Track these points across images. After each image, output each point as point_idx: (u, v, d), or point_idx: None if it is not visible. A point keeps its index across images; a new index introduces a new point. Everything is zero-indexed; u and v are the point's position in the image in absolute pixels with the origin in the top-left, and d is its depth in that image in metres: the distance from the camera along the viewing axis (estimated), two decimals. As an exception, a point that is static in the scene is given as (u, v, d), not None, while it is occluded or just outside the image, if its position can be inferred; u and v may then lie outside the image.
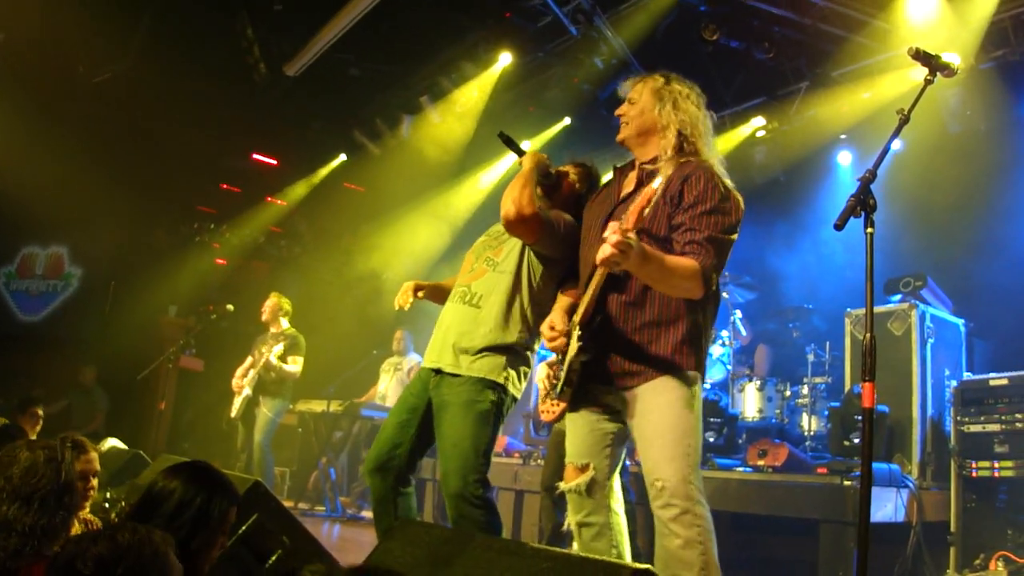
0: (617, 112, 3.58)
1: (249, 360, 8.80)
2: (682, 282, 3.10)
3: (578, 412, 3.47)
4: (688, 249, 3.14)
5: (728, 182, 3.34)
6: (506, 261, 4.06)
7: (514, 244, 4.06)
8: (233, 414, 8.73)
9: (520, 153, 4.10)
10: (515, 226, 3.82)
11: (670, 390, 3.22)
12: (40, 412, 6.89)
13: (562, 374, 3.32)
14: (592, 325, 3.29)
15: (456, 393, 3.91)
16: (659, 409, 3.21)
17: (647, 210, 2.85)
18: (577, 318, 3.31)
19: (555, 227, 3.89)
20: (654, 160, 3.43)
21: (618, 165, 3.70)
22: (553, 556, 2.13)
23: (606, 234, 2.81)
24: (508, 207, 3.76)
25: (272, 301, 8.96)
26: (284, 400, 8.70)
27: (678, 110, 3.47)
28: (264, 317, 8.95)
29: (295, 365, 8.64)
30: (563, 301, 3.65)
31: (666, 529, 3.09)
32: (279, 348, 8.48)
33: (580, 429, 3.47)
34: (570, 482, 3.44)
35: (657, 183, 2.91)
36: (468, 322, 4.02)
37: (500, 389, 3.94)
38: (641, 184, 3.40)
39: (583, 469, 3.41)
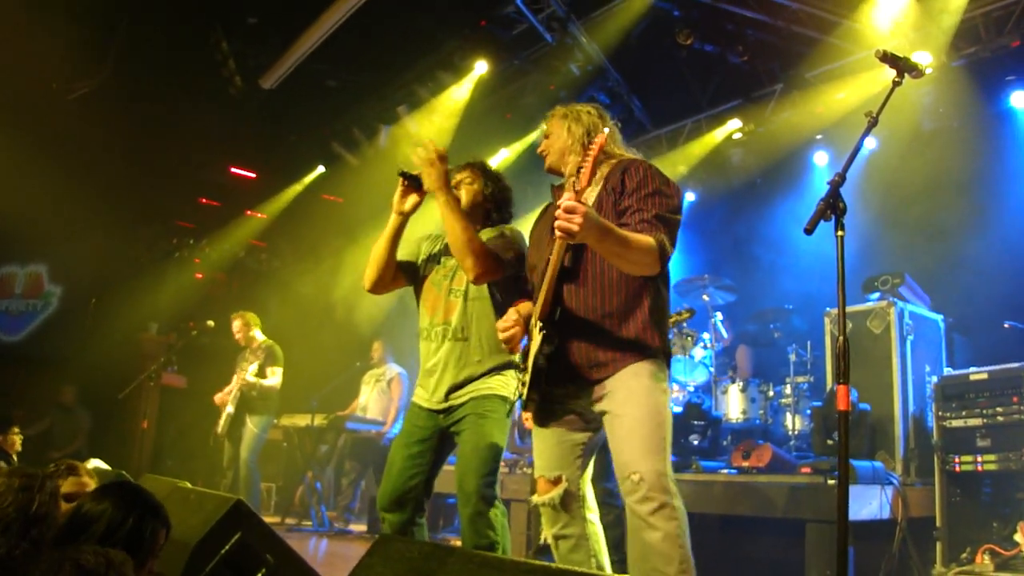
0: (539, 150, 3.72)
1: (235, 379, 8.77)
2: (642, 256, 3.11)
3: (546, 427, 3.48)
4: (641, 228, 3.18)
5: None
6: (472, 288, 4.10)
7: None
8: (219, 431, 8.70)
9: (418, 183, 4.06)
10: (482, 279, 3.94)
11: (642, 376, 3.23)
12: (17, 432, 6.85)
13: (527, 376, 3.32)
14: (553, 318, 3.29)
15: (472, 407, 4.00)
16: (633, 399, 3.20)
17: (588, 191, 3.04)
18: (536, 314, 3.32)
19: (507, 262, 3.98)
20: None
21: (554, 184, 3.75)
22: (534, 569, 2.12)
23: (560, 202, 2.86)
24: (472, 268, 3.85)
25: (238, 322, 8.92)
26: (269, 415, 8.68)
27: (581, 123, 3.60)
28: (237, 338, 8.92)
29: (274, 377, 8.61)
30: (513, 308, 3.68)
31: (644, 523, 3.10)
32: (253, 367, 8.46)
33: (548, 441, 3.47)
34: (543, 496, 3.43)
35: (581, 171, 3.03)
36: (463, 356, 4.06)
37: (508, 401, 4.03)
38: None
39: (555, 482, 3.40)
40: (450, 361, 4.07)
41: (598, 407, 3.29)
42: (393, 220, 4.09)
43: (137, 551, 2.61)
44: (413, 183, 4.05)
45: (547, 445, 3.46)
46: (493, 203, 4.28)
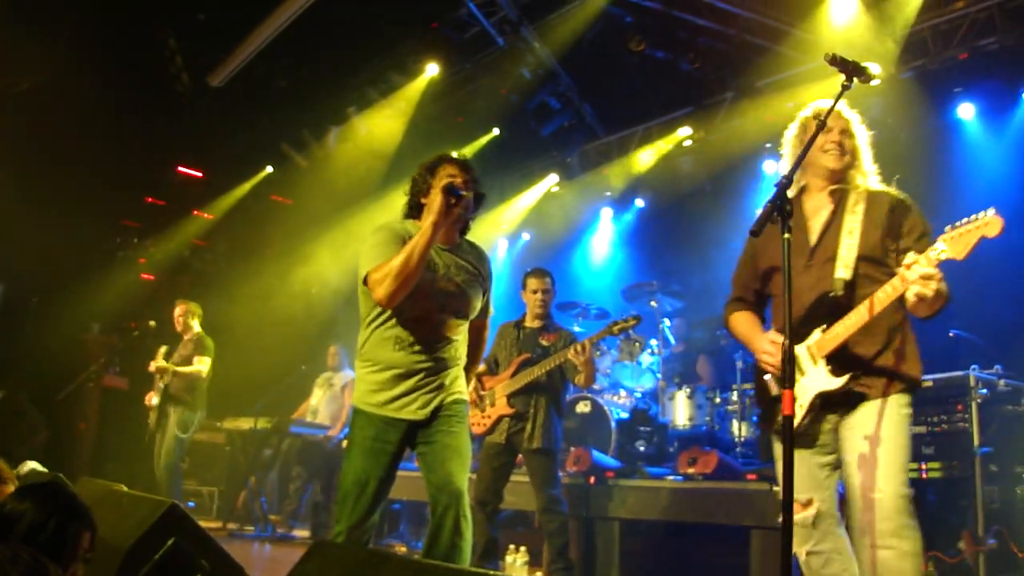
0: (833, 140, 3.53)
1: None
2: (941, 304, 3.20)
3: (799, 449, 3.43)
4: None
5: None
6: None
7: None
8: (151, 426, 8.52)
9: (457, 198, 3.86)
10: (384, 306, 3.82)
11: (900, 404, 3.29)
12: None
13: (799, 400, 3.32)
14: (842, 352, 3.31)
15: (449, 411, 3.90)
16: (890, 423, 3.25)
17: (848, 220, 3.33)
18: (826, 345, 3.33)
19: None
20: (839, 184, 3.58)
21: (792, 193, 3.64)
22: (469, 575, 2.08)
23: (917, 268, 3.01)
24: (387, 295, 3.69)
25: (179, 309, 8.76)
26: (193, 411, 8.43)
27: (861, 142, 3.63)
28: (177, 327, 8.75)
29: (201, 365, 8.43)
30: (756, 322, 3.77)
31: (882, 542, 3.13)
32: (159, 354, 8.30)
33: (798, 464, 3.30)
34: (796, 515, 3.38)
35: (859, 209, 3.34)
36: (450, 361, 3.98)
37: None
38: (838, 209, 3.52)
39: (806, 504, 3.43)
40: (444, 366, 3.94)
41: (849, 432, 3.34)
42: (432, 234, 3.69)
43: (60, 554, 2.55)
44: (456, 199, 3.80)
45: (797, 472, 3.30)
46: (475, 211, 4.13)
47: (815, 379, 3.33)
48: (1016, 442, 6.29)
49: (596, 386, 8.18)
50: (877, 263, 3.38)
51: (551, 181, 12.00)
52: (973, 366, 6.18)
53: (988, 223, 2.95)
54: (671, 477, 6.66)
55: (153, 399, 8.43)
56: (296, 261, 12.85)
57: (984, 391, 6.06)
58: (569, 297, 9.34)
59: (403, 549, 8.43)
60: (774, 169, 9.95)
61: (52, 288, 12.38)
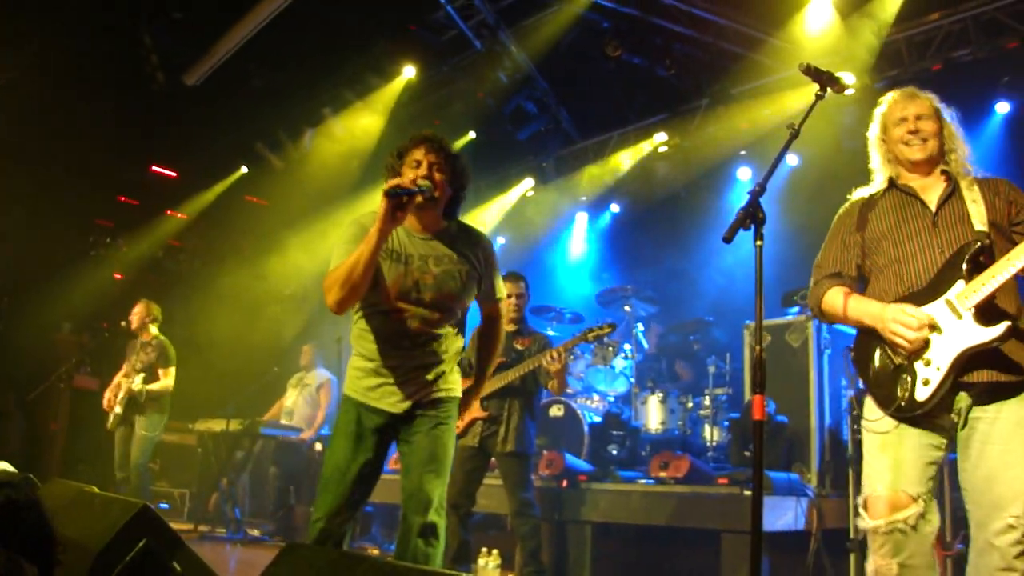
0: (913, 128, 3.38)
1: (124, 369, 8.50)
2: None
3: (915, 428, 3.13)
4: None
5: None
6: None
7: None
8: (109, 426, 8.43)
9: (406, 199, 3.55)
10: (336, 312, 3.71)
11: None
12: None
13: (942, 367, 3.00)
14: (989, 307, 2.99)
15: (434, 411, 3.80)
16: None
17: (972, 203, 3.10)
18: (974, 292, 2.99)
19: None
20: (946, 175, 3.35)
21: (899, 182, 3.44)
22: (443, 577, 2.09)
23: None
24: (337, 301, 3.59)
25: (140, 307, 8.68)
26: (161, 415, 8.37)
27: (958, 136, 3.47)
28: (133, 325, 8.65)
29: (167, 379, 8.35)
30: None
31: (1005, 563, 2.90)
32: (139, 379, 8.20)
33: (909, 451, 3.11)
34: (894, 515, 3.08)
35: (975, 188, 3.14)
36: (435, 355, 3.84)
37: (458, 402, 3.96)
38: (952, 186, 3.28)
39: (913, 499, 3.06)
40: (423, 362, 3.79)
41: (971, 429, 3.04)
42: (379, 238, 3.48)
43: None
44: (404, 199, 3.51)
45: (908, 457, 3.12)
46: (456, 192, 3.89)
47: (961, 333, 2.97)
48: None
49: (570, 390, 8.21)
50: (1004, 234, 3.12)
51: (527, 185, 12.03)
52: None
53: None
54: (643, 481, 6.69)
55: (116, 408, 8.31)
56: (270, 262, 12.79)
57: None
58: (544, 301, 9.35)
59: (375, 552, 8.42)
60: (748, 176, 10.03)
61: (23, 288, 12.25)
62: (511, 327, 6.35)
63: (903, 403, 3.04)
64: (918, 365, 3.04)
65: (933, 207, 3.24)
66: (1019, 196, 3.15)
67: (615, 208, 11.56)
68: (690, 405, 8.08)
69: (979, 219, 3.10)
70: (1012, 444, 2.94)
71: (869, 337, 3.23)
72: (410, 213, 3.66)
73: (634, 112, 10.59)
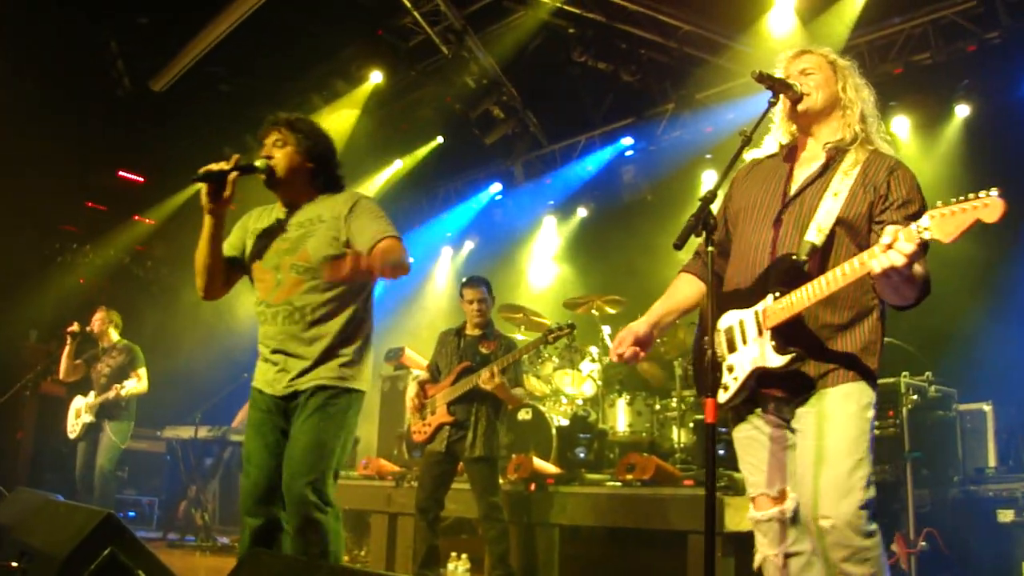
0: (795, 80, 3.18)
1: (92, 376, 8.42)
2: (913, 292, 2.77)
3: (751, 423, 3.14)
4: None
5: None
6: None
7: None
8: (71, 435, 8.35)
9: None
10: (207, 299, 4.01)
11: (855, 399, 2.95)
12: None
13: (732, 379, 3.01)
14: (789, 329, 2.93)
15: (315, 400, 3.70)
16: (842, 422, 2.92)
17: (836, 179, 2.95)
18: (775, 315, 2.92)
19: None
20: (836, 141, 3.15)
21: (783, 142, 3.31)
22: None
23: (896, 243, 2.53)
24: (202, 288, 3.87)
25: (101, 314, 8.62)
26: (130, 421, 8.31)
27: (858, 90, 3.23)
28: (96, 329, 8.58)
29: (141, 381, 8.30)
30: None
31: (837, 571, 2.86)
32: (128, 384, 8.15)
33: (758, 452, 3.13)
34: (766, 510, 3.08)
35: (854, 172, 2.95)
36: (309, 339, 3.78)
37: (360, 395, 3.83)
38: (828, 167, 3.10)
39: (778, 498, 3.06)
40: (293, 345, 3.70)
41: (796, 424, 3.01)
42: (208, 222, 3.70)
43: None
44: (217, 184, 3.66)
45: (759, 455, 3.11)
46: (315, 161, 3.88)
47: (756, 352, 2.96)
48: (946, 446, 6.48)
49: (538, 393, 8.24)
50: (857, 232, 2.97)
51: (495, 189, 12.08)
52: (904, 373, 6.36)
53: (988, 205, 2.42)
54: (610, 483, 6.73)
55: (84, 415, 8.23)
56: (237, 268, 12.73)
57: (915, 397, 6.25)
58: (512, 304, 9.38)
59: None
60: (714, 179, 10.12)
61: (-12, 294, 12.18)
62: (476, 331, 6.39)
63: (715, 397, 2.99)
64: (725, 369, 3.05)
65: (793, 190, 3.12)
66: (895, 189, 2.96)
67: (583, 211, 11.62)
68: (658, 407, 8.12)
69: (826, 218, 2.96)
70: (824, 438, 2.94)
71: (699, 331, 3.31)
72: (277, 192, 3.85)
73: (601, 117, 10.67)
